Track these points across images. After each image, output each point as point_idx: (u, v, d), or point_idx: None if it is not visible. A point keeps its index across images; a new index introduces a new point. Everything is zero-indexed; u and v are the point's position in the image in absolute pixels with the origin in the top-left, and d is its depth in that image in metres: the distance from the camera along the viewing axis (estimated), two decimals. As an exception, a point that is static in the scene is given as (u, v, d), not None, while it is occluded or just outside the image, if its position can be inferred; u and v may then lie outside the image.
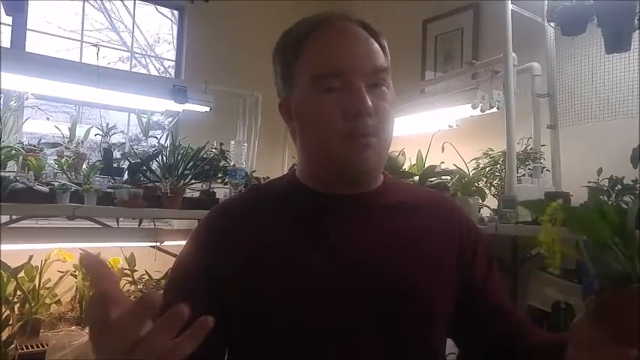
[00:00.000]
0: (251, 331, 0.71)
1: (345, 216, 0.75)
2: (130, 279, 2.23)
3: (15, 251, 1.94)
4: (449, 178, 1.97)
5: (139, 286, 2.18)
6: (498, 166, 1.95)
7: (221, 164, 2.22)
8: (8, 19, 2.54)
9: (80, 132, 2.17)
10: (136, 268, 2.27)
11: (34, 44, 2.69)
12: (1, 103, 1.93)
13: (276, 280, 0.70)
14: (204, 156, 2.14)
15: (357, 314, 0.69)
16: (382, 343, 0.70)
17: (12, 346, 1.84)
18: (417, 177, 1.96)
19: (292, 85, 0.75)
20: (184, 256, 0.78)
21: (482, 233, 0.86)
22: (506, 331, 0.78)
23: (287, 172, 0.87)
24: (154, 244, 2.05)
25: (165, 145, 2.16)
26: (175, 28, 3.21)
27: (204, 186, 2.17)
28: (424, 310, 0.73)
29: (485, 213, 1.93)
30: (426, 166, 2.03)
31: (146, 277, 2.22)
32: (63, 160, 1.91)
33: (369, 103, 0.69)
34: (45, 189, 1.68)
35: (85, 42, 2.89)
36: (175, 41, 3.19)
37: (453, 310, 0.77)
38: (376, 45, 0.74)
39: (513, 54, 1.80)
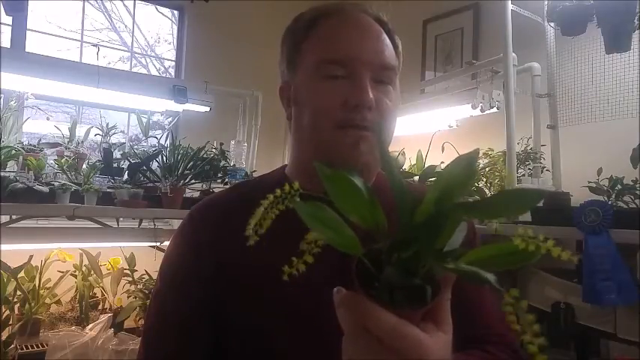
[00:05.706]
0: (234, 335, 0.69)
1: None
2: (130, 279, 2.24)
3: (15, 251, 1.94)
4: (449, 178, 1.97)
5: (138, 286, 2.18)
6: (498, 166, 1.95)
7: (221, 164, 2.22)
8: (8, 19, 2.54)
9: (80, 132, 2.17)
10: (135, 268, 2.27)
11: (34, 44, 2.69)
12: (1, 103, 1.93)
13: (253, 284, 0.67)
14: (204, 156, 2.14)
15: (329, 318, 0.67)
16: None
17: (12, 346, 1.84)
18: (417, 177, 1.96)
19: (296, 68, 0.72)
20: (169, 264, 0.74)
21: (479, 235, 0.81)
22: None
23: (277, 168, 0.83)
24: (153, 244, 2.05)
25: (165, 145, 2.16)
26: (175, 28, 3.21)
27: (204, 186, 2.17)
28: None
29: (486, 213, 1.92)
30: (426, 166, 2.03)
31: (146, 277, 2.22)
32: (63, 160, 1.91)
33: (371, 96, 0.66)
34: (45, 189, 1.68)
35: (85, 42, 2.89)
36: (175, 41, 3.19)
37: None
38: (389, 42, 0.72)
39: (513, 54, 1.80)
